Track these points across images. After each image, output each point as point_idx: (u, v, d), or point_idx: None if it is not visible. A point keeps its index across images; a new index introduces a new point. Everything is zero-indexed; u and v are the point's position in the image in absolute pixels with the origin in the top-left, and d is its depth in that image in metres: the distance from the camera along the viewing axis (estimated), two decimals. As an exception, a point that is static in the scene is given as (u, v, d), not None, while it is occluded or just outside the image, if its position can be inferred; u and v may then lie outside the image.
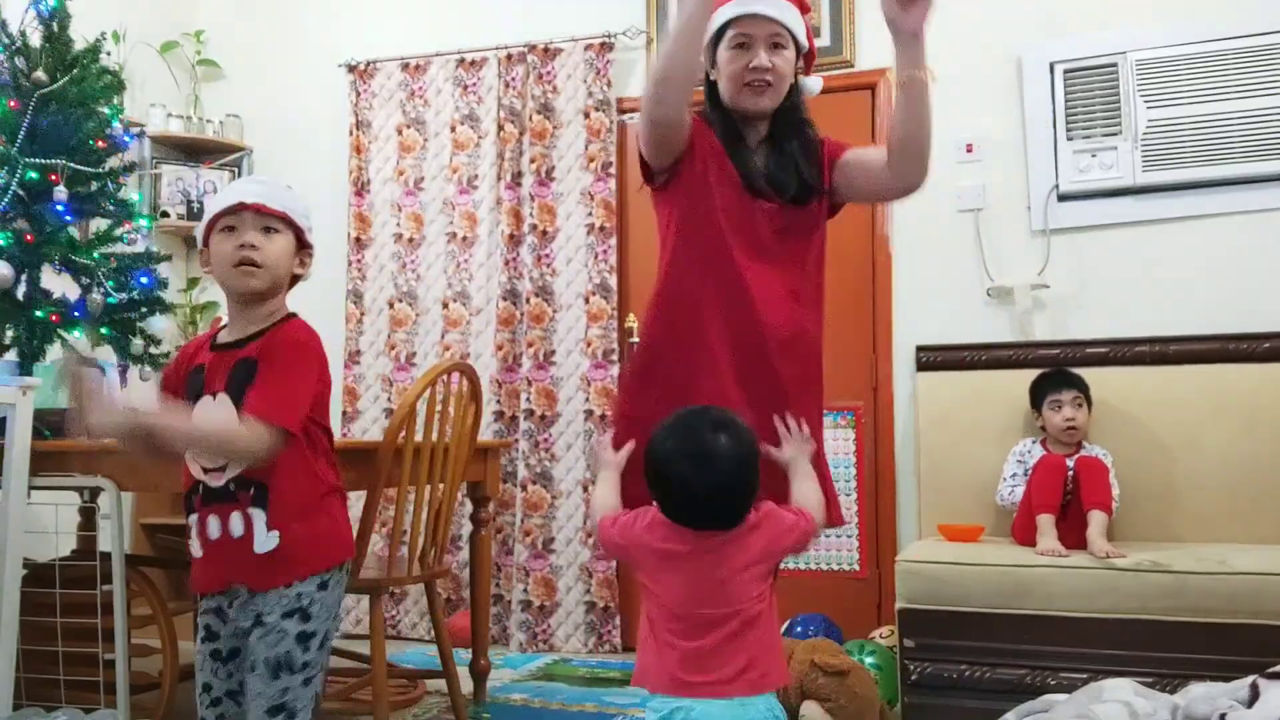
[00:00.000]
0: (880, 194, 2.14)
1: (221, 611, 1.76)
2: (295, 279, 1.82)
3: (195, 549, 1.73)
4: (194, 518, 1.73)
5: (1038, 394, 3.14)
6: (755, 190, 1.94)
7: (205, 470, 1.71)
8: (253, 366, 1.70)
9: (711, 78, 2.01)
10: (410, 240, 4.28)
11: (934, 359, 3.52)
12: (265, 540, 1.69)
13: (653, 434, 1.66)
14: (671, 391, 1.85)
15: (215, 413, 1.69)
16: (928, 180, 1.96)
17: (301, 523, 1.73)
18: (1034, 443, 3.11)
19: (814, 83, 2.07)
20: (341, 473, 1.87)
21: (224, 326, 1.82)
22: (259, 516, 1.69)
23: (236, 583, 1.73)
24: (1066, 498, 2.93)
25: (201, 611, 1.78)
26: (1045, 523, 2.84)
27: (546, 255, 4.09)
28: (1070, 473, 2.94)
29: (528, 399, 4.03)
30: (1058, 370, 3.18)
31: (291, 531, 1.71)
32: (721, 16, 1.94)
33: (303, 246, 1.81)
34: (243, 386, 1.68)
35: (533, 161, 4.10)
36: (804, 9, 2.00)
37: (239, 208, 1.73)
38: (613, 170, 4.04)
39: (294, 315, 1.81)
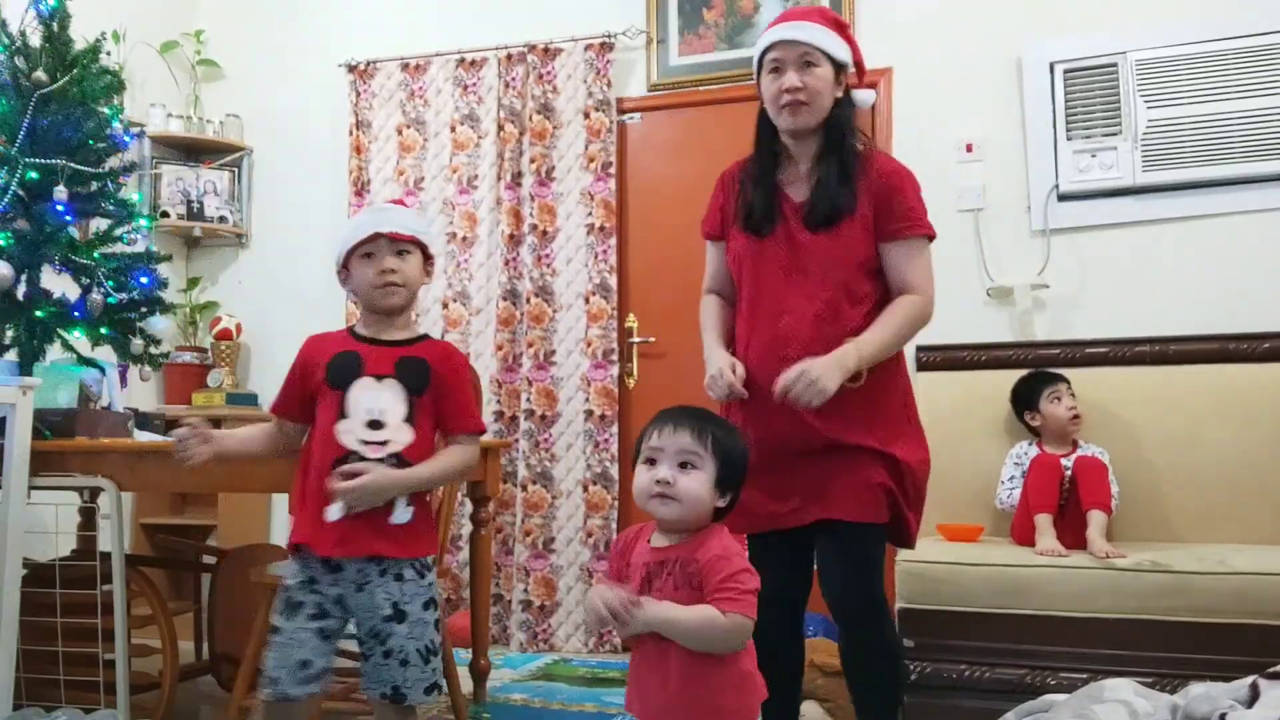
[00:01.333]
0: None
1: (342, 600, 1.90)
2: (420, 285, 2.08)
3: (334, 513, 1.85)
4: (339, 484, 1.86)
5: (1030, 394, 3.13)
6: (755, 230, 2.10)
7: (365, 442, 1.88)
8: (424, 366, 1.96)
9: (763, 106, 2.14)
10: (410, 240, 4.28)
11: (934, 359, 3.52)
12: (402, 513, 1.90)
13: (729, 434, 1.67)
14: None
15: (382, 395, 1.92)
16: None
17: (423, 503, 1.96)
18: (1030, 444, 3.11)
19: (865, 95, 2.16)
20: None
21: (349, 327, 2.07)
22: None
23: (374, 551, 1.88)
24: (1064, 498, 2.93)
25: (310, 590, 1.89)
26: (1044, 522, 2.84)
27: (546, 255, 4.09)
28: (1068, 472, 2.95)
29: (528, 399, 4.03)
30: (1037, 370, 3.19)
31: (420, 508, 1.94)
32: (759, 46, 2.10)
33: (427, 259, 2.05)
34: (415, 381, 1.94)
35: (533, 161, 4.10)
36: (839, 26, 2.11)
37: (375, 237, 1.96)
38: (613, 170, 4.04)
39: (427, 334, 2.12)
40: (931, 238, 2.10)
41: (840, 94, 2.08)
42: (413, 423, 1.92)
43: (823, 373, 1.94)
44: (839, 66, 2.07)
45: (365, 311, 2.04)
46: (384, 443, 1.90)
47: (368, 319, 2.03)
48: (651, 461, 1.62)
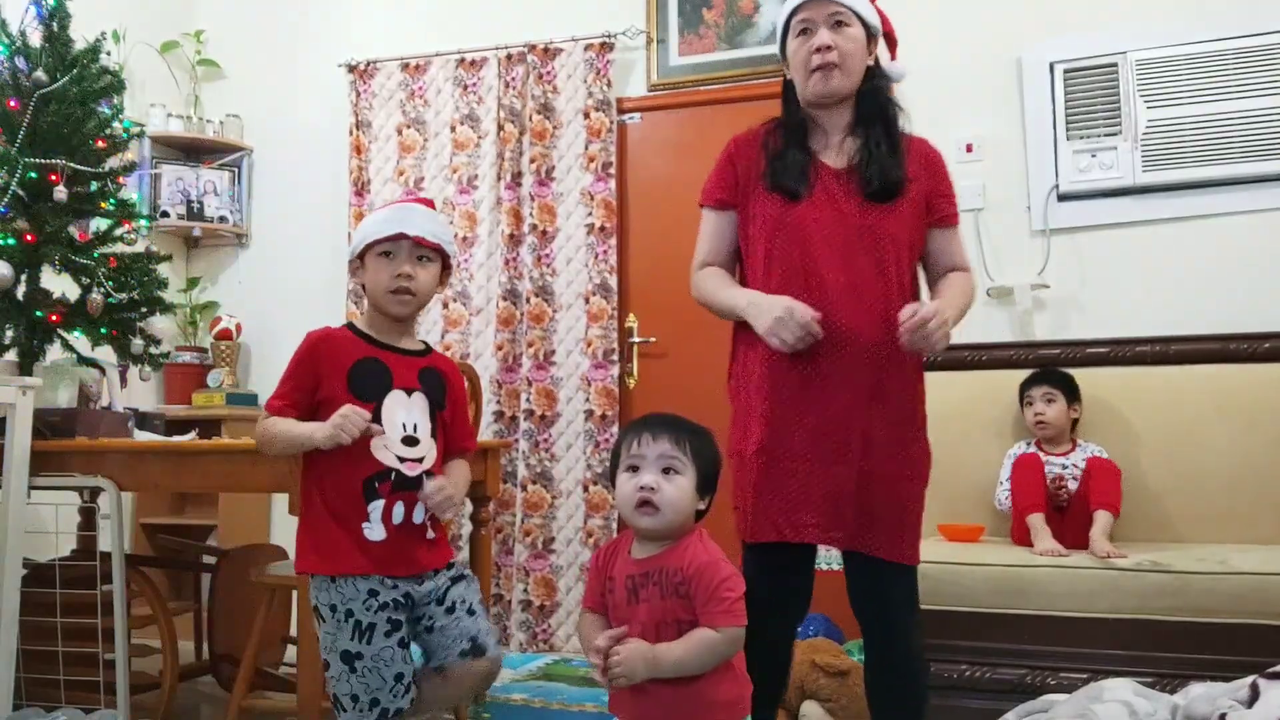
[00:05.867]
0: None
1: (409, 598, 1.87)
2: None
3: (376, 533, 1.83)
4: (379, 503, 1.83)
5: (1021, 394, 3.17)
6: (790, 193, 1.92)
7: (402, 460, 1.85)
8: (442, 379, 1.96)
9: (788, 77, 1.99)
10: (410, 240, 4.28)
11: (934, 359, 3.51)
12: (431, 528, 1.92)
13: (704, 439, 1.67)
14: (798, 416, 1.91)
15: (413, 409, 1.90)
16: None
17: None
18: (1028, 444, 3.12)
19: (898, 67, 2.01)
20: None
21: (350, 324, 1.98)
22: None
23: (422, 568, 1.88)
24: (1065, 498, 2.93)
25: (379, 607, 1.82)
26: (1037, 522, 2.84)
27: (546, 255, 4.09)
28: (1064, 471, 2.95)
29: (528, 399, 4.03)
30: (1040, 369, 3.19)
31: (442, 521, 1.96)
32: (785, 10, 1.95)
33: (446, 268, 1.99)
34: (436, 396, 1.94)
35: (533, 161, 4.10)
36: None
37: (399, 237, 1.88)
38: (613, 170, 4.04)
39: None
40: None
41: (872, 63, 1.94)
42: (435, 437, 1.91)
43: (950, 315, 1.84)
44: (870, 32, 1.93)
45: (372, 312, 1.95)
46: (420, 459, 1.87)
47: (376, 321, 1.94)
48: (633, 470, 1.63)
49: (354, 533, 1.82)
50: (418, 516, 1.86)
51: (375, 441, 1.82)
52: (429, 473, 1.88)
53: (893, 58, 2.02)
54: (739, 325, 2.00)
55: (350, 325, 1.96)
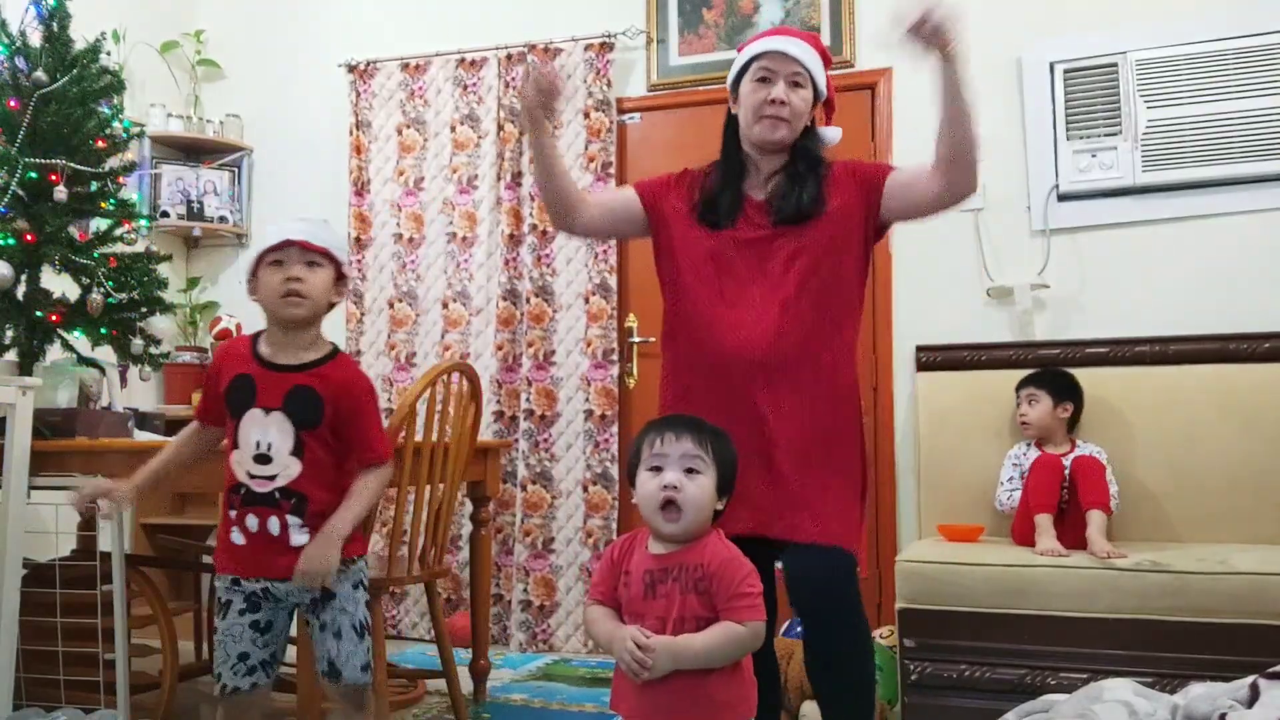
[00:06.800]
0: (931, 206, 2.15)
1: (267, 593, 1.95)
2: (331, 305, 2.03)
3: (238, 538, 1.94)
4: (234, 513, 1.94)
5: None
6: (713, 223, 2.07)
7: (251, 476, 1.91)
8: (317, 398, 1.94)
9: (733, 111, 2.13)
10: (410, 240, 4.28)
11: (934, 359, 3.52)
12: (299, 536, 1.93)
13: (724, 440, 1.68)
14: None
15: (268, 429, 1.92)
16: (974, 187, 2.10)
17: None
18: (1028, 445, 3.12)
19: (833, 133, 2.17)
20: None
21: (257, 335, 2.02)
22: (294, 521, 1.92)
23: (279, 574, 1.92)
24: (1064, 499, 2.93)
25: (235, 589, 1.95)
26: (1044, 522, 2.84)
27: (546, 255, 4.09)
28: (1066, 471, 2.95)
29: (528, 399, 4.03)
30: (1038, 369, 3.20)
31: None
32: (748, 53, 2.09)
33: (340, 278, 2.02)
34: (303, 414, 1.93)
35: (533, 161, 4.10)
36: (826, 60, 2.12)
37: (285, 244, 1.94)
38: (613, 170, 4.04)
39: (337, 348, 2.04)
40: None
41: (809, 122, 2.10)
42: (301, 455, 1.92)
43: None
44: (816, 97, 2.10)
45: (270, 325, 2.00)
46: (271, 477, 1.92)
47: (272, 333, 2.00)
48: (656, 470, 1.63)
49: (227, 534, 1.96)
50: (273, 528, 1.91)
51: (234, 455, 1.93)
52: (289, 490, 1.91)
53: (828, 123, 2.18)
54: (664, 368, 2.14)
55: (255, 337, 2.02)
